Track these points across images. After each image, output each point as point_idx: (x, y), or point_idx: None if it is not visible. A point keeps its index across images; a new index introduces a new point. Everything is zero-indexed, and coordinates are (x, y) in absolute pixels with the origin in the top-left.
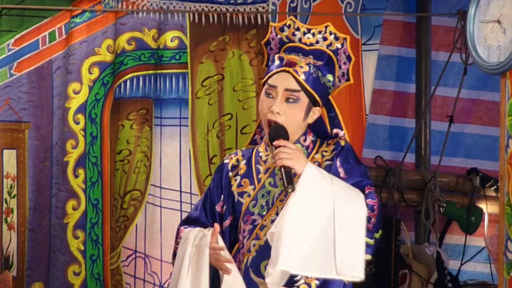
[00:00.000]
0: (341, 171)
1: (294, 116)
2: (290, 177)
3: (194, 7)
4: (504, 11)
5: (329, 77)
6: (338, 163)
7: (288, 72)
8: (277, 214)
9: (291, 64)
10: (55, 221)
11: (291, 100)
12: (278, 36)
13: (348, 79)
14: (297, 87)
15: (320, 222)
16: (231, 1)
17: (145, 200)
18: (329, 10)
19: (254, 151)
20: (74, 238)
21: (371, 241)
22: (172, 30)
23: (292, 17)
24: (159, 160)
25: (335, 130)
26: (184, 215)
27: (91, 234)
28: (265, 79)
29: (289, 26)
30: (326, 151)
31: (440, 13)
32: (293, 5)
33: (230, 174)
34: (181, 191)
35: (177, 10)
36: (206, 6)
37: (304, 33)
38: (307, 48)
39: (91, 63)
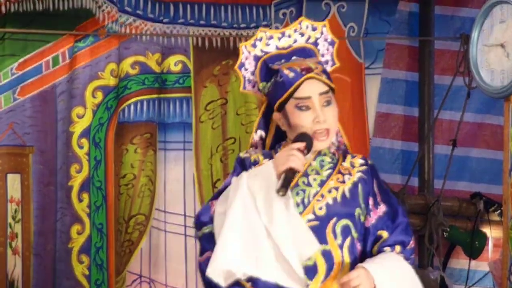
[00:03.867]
0: (378, 195)
1: (333, 118)
2: (288, 182)
3: (198, 31)
4: (507, 35)
5: None
6: (375, 186)
7: (312, 78)
8: (313, 213)
9: (309, 69)
10: (60, 246)
11: (325, 104)
12: (252, 54)
13: (334, 64)
14: (327, 88)
15: None
16: (234, 25)
17: (149, 224)
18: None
19: (274, 154)
20: (78, 263)
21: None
22: (176, 54)
23: (261, 28)
24: (163, 184)
25: None
26: (189, 239)
27: (96, 258)
28: (285, 96)
29: (260, 39)
30: (353, 163)
31: (443, 37)
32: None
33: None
34: (185, 215)
35: (180, 34)
36: (210, 31)
37: (279, 38)
38: (285, 52)
39: (95, 87)
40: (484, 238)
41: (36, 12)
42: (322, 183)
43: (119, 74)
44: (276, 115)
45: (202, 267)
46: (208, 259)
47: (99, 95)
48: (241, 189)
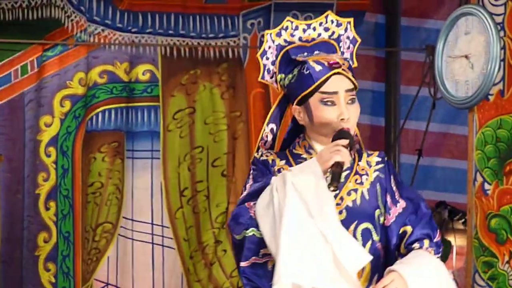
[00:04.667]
0: (396, 192)
1: (356, 118)
2: (338, 176)
3: (166, 41)
4: (472, 46)
5: None
6: (393, 183)
7: (339, 73)
8: None
9: (337, 64)
10: (27, 254)
11: (350, 102)
12: (276, 43)
13: (352, 63)
14: (352, 86)
15: None
16: (203, 35)
17: (116, 232)
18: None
19: (289, 154)
20: (45, 271)
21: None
22: (144, 64)
23: (289, 17)
24: (130, 193)
25: None
26: (156, 247)
27: (62, 266)
28: (311, 89)
29: (286, 29)
30: (370, 161)
31: (409, 48)
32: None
33: (274, 169)
34: (152, 224)
35: (149, 44)
36: (178, 40)
37: (304, 30)
38: (308, 45)
39: (63, 96)
40: (448, 246)
41: (6, 21)
42: (341, 186)
43: (87, 83)
44: (295, 108)
45: (247, 273)
46: (254, 265)
47: (67, 104)
48: (289, 193)
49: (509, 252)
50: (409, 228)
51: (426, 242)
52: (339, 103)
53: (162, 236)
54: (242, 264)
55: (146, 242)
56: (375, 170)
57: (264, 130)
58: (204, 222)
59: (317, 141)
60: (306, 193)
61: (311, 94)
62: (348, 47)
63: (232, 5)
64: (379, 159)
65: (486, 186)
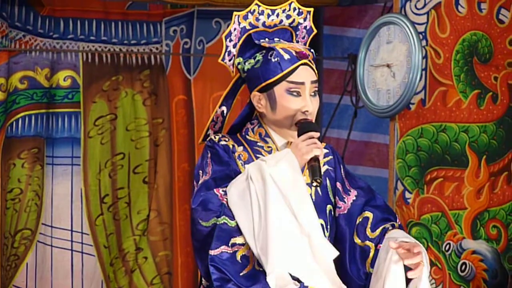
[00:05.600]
0: (346, 181)
1: (316, 111)
2: (320, 170)
3: (88, 47)
4: (393, 55)
5: None
6: (343, 173)
7: (306, 64)
8: None
9: (304, 55)
10: None
11: (313, 94)
12: (241, 25)
13: None
14: (316, 78)
15: None
16: (125, 42)
17: (36, 239)
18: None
19: (243, 140)
20: None
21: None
22: (65, 70)
23: (256, 1)
24: (50, 199)
25: None
26: (75, 254)
27: None
28: (278, 77)
29: (253, 12)
30: None
31: (331, 57)
32: (186, 46)
33: (235, 155)
34: (72, 231)
35: (70, 49)
36: (100, 46)
37: (268, 16)
38: (270, 30)
39: None
40: None
41: None
42: None
43: (8, 88)
44: (256, 95)
45: (216, 261)
46: (223, 254)
47: None
48: (269, 185)
49: (429, 260)
50: (369, 214)
51: (396, 225)
52: (304, 95)
53: (82, 243)
54: (212, 252)
55: (65, 249)
56: (324, 163)
57: (216, 112)
58: (125, 229)
59: (274, 130)
60: (284, 186)
61: (277, 82)
62: (304, 37)
63: (154, 11)
64: (327, 151)
65: (407, 194)
